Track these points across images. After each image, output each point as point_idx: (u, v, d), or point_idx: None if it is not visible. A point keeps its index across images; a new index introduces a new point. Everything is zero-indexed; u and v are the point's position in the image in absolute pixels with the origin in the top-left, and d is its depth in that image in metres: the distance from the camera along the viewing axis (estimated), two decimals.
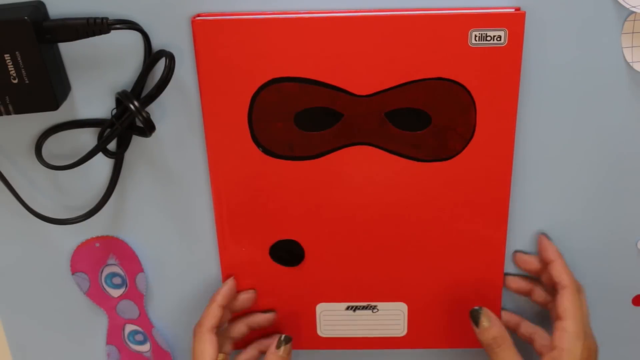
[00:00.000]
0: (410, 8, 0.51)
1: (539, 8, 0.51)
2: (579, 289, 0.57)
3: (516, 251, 0.60)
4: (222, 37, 0.51)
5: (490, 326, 0.56)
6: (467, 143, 0.55)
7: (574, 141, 0.56)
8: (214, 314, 0.57)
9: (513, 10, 0.50)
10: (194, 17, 0.51)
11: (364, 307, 0.62)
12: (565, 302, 0.55)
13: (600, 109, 0.55)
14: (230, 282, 0.60)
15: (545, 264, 0.58)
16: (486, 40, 0.51)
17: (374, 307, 0.62)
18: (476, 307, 0.58)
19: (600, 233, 0.59)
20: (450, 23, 0.50)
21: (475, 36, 0.51)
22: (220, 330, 0.59)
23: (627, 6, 0.51)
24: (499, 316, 0.61)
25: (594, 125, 0.55)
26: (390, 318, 0.62)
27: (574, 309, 0.54)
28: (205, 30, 0.51)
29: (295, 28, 0.51)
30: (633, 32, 0.52)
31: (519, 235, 0.59)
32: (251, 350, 0.62)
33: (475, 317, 0.57)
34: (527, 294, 0.60)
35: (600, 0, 0.51)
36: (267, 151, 0.55)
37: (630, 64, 0.53)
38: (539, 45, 0.52)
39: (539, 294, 0.59)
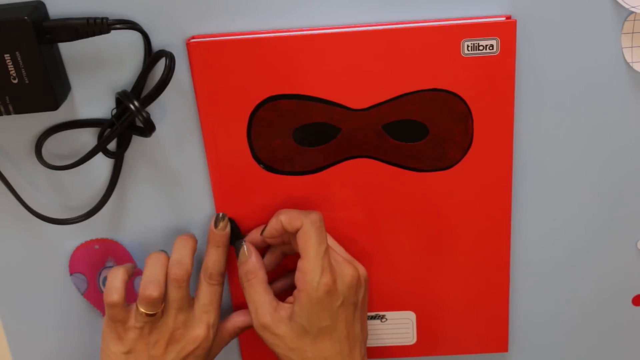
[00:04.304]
0: (401, 21, 0.51)
1: (533, 14, 0.51)
2: (315, 225, 0.54)
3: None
4: (217, 58, 0.52)
5: (246, 259, 0.56)
6: (466, 152, 0.55)
7: (574, 143, 0.56)
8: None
9: (504, 19, 0.51)
10: (189, 40, 0.52)
11: (372, 317, 0.62)
12: (299, 242, 0.54)
13: (600, 109, 0.54)
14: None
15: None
16: (478, 49, 0.51)
17: (383, 317, 0.62)
18: (240, 240, 0.57)
19: (600, 233, 0.59)
20: (442, 34, 0.51)
21: (468, 46, 0.51)
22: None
23: (627, 6, 0.51)
24: (505, 323, 0.61)
25: (593, 126, 0.55)
26: (399, 327, 0.62)
27: (307, 247, 0.53)
28: (200, 52, 0.52)
29: (289, 46, 0.51)
30: (633, 32, 0.52)
31: (522, 241, 0.60)
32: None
33: (237, 249, 0.57)
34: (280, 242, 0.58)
35: (600, 1, 0.51)
36: (268, 167, 0.56)
37: (630, 64, 0.53)
38: (536, 50, 0.52)
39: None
